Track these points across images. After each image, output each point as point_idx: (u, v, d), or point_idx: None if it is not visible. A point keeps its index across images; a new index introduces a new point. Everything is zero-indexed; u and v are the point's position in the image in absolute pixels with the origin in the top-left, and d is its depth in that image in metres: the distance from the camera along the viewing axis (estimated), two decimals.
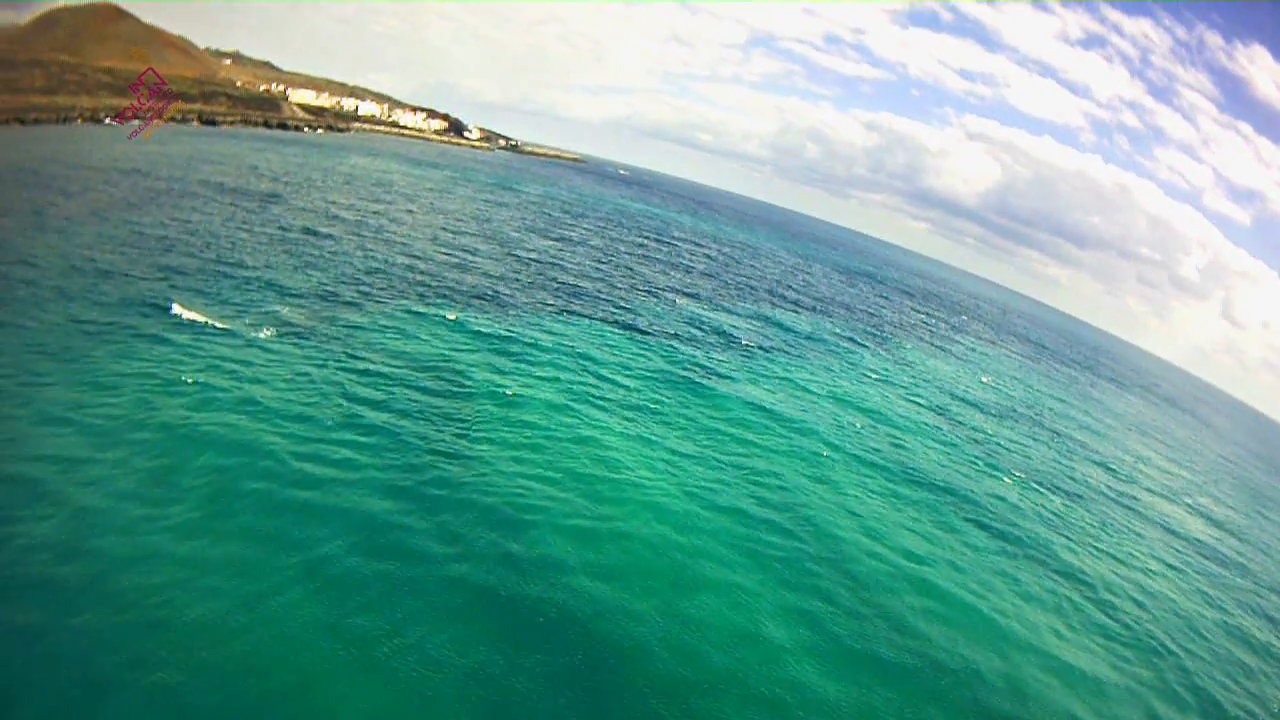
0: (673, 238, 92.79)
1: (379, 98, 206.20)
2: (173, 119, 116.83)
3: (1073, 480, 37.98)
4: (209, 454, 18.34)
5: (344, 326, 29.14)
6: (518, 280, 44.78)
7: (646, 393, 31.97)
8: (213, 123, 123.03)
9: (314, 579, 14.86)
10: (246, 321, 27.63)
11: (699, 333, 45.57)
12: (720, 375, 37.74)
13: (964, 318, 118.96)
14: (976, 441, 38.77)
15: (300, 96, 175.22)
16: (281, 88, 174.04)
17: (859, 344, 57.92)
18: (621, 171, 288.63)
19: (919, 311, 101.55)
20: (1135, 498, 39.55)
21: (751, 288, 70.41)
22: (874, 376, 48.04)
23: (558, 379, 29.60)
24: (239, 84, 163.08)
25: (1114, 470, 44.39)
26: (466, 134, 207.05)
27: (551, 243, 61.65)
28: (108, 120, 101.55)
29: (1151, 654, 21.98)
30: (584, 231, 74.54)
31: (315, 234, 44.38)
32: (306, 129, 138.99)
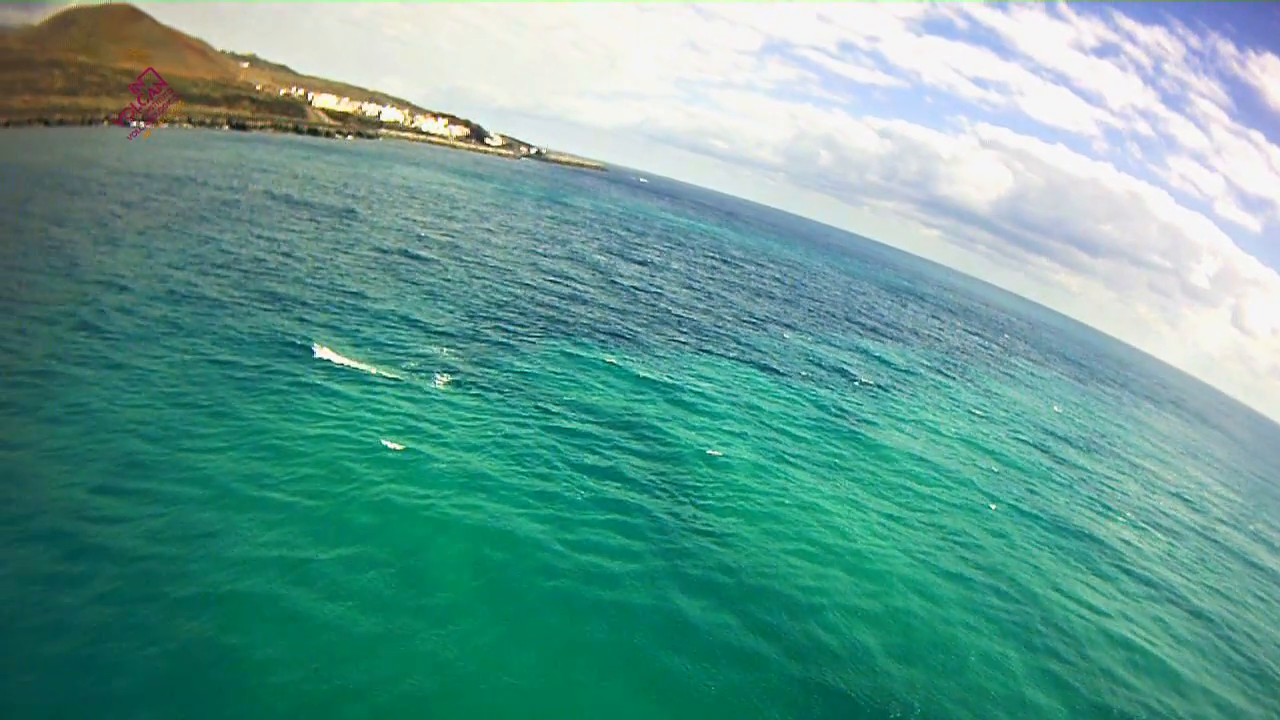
0: (733, 258, 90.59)
1: (398, 103, 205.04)
2: (202, 123, 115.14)
3: (1165, 515, 40.49)
4: (463, 543, 15.64)
5: (512, 373, 26.47)
6: (637, 314, 42.25)
7: (822, 445, 30.36)
8: (243, 127, 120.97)
9: (674, 698, 12.78)
10: (409, 368, 24.93)
11: (822, 371, 43.56)
12: (866, 421, 36.69)
13: (1007, 336, 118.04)
14: (1084, 481, 40.41)
15: (323, 101, 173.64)
16: (302, 92, 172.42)
17: (946, 375, 57.15)
18: (642, 180, 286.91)
19: (971, 333, 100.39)
20: (1213, 529, 41.99)
21: (831, 314, 68.29)
22: (978, 413, 47.81)
23: (744, 434, 27.51)
24: (259, 87, 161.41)
25: (1189, 501, 46.89)
26: (488, 140, 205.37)
27: (638, 267, 59.29)
28: (134, 123, 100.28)
29: (1276, 684, 24.22)
30: (658, 253, 72.24)
31: (416, 258, 41.82)
32: (336, 135, 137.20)
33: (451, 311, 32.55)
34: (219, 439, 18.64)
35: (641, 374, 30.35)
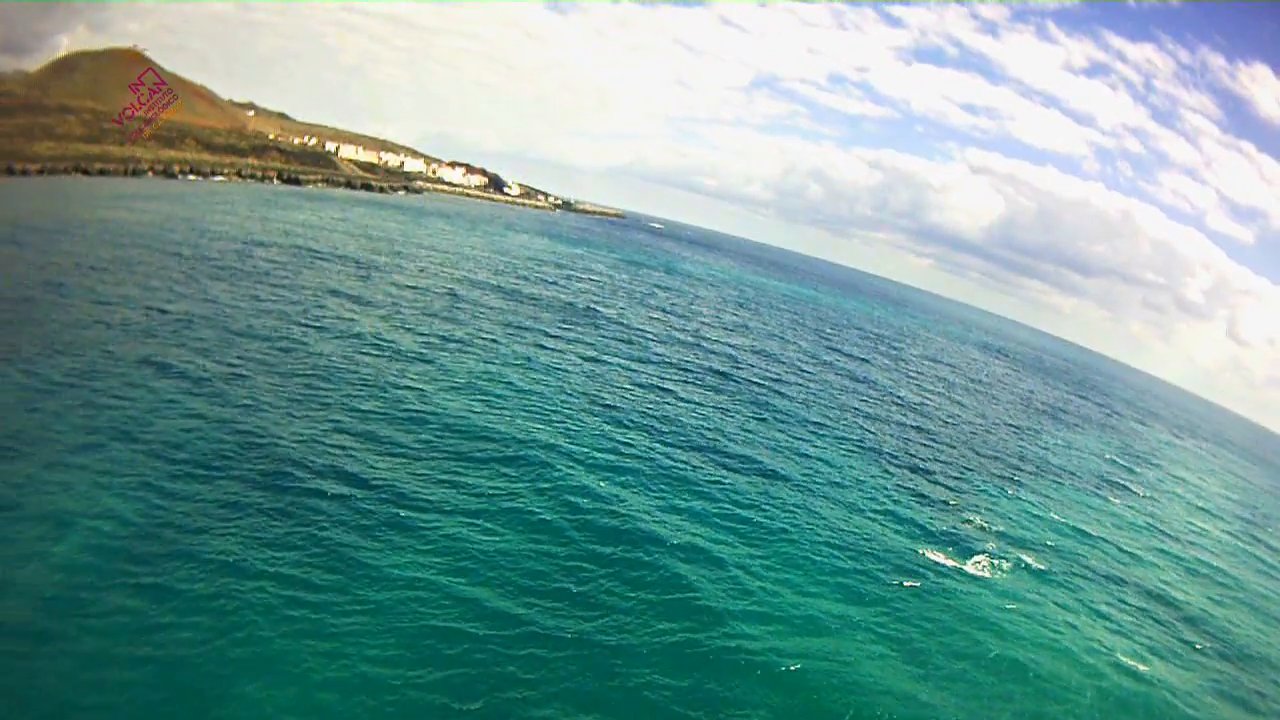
0: (878, 335, 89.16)
1: (408, 151, 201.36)
2: (253, 176, 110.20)
3: None
4: None
5: (1031, 546, 25.10)
6: (955, 439, 39.91)
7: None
8: (296, 182, 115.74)
9: None
10: (972, 549, 22.63)
11: (1114, 487, 41.91)
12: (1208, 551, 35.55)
13: (1094, 392, 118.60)
14: None
15: (346, 152, 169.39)
16: (314, 140, 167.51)
17: (1145, 464, 57.17)
18: (656, 225, 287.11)
19: (1081, 397, 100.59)
20: None
21: (1026, 406, 66.75)
22: (1205, 509, 47.41)
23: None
24: (272, 136, 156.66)
25: None
26: (507, 190, 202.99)
27: (867, 367, 57.19)
28: (187, 175, 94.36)
29: None
30: (841, 340, 70.23)
31: (763, 386, 38.64)
32: (389, 189, 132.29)
33: (880, 461, 30.16)
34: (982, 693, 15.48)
35: (1081, 527, 29.77)
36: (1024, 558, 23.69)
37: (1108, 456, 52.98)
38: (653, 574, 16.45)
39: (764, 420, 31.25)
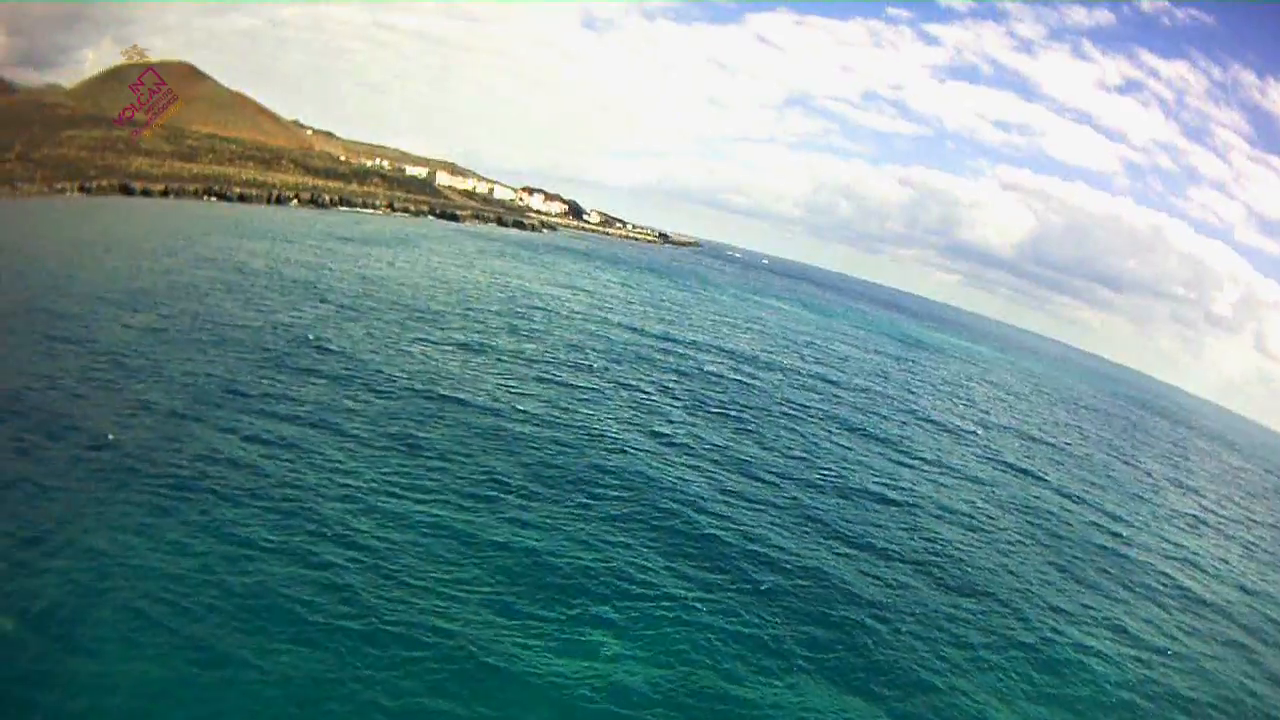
0: (1102, 411, 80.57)
1: (476, 175, 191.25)
2: (404, 210, 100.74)
3: None
4: None
5: None
6: None
7: None
8: (453, 217, 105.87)
9: None
10: None
11: None
12: None
13: (1229, 442, 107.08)
14: None
15: (442, 179, 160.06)
16: (386, 163, 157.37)
17: None
18: (735, 254, 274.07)
19: (1230, 449, 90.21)
20: None
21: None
22: None
23: None
24: (342, 158, 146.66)
25: None
26: (586, 218, 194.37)
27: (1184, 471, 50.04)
28: (337, 206, 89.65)
29: None
30: (1119, 436, 62.18)
31: None
32: (536, 227, 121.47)
33: None
34: None
35: None
36: None
37: None
38: None
39: None
